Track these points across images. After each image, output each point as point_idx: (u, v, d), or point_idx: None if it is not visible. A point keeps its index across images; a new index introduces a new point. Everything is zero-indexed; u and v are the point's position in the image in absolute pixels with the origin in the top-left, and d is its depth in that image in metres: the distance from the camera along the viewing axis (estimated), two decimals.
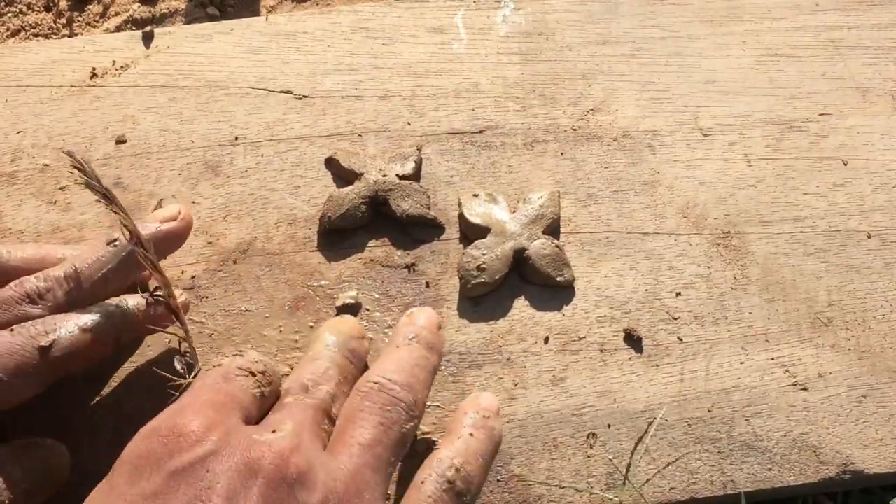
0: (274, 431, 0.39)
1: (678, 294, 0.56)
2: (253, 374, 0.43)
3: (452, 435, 0.45)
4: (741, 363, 0.54)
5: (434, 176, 0.60)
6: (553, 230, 0.58)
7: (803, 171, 0.61)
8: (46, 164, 0.60)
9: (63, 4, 0.76)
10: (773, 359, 0.54)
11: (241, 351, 0.45)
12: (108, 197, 0.47)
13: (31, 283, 0.47)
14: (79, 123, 0.62)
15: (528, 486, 0.50)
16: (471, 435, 0.44)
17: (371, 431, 0.41)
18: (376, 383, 0.43)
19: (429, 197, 0.58)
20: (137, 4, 0.76)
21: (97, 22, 0.76)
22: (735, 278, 0.57)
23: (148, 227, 0.51)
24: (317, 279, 0.56)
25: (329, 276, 0.56)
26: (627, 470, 0.51)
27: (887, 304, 0.56)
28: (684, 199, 0.60)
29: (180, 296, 0.51)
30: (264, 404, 0.43)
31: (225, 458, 0.37)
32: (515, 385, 0.53)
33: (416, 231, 0.58)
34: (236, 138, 0.61)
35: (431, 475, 0.41)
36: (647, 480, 0.50)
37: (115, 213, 0.47)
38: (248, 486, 0.36)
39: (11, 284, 0.47)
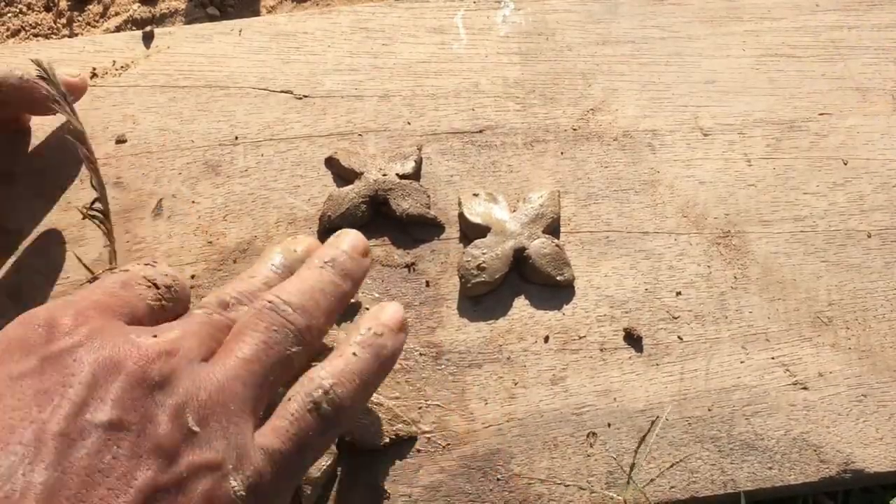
0: (155, 336, 0.39)
1: (678, 293, 0.56)
2: (157, 287, 0.42)
3: (336, 351, 0.43)
4: (741, 362, 0.54)
5: (434, 175, 0.60)
6: (553, 229, 0.58)
7: (803, 171, 0.61)
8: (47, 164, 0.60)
9: (63, 4, 0.76)
10: (773, 358, 0.54)
11: (155, 260, 0.44)
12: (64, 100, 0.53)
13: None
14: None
15: (529, 485, 0.50)
16: (354, 354, 0.42)
17: (252, 348, 0.40)
18: (270, 302, 0.42)
19: (429, 196, 0.58)
20: (137, 4, 0.76)
21: (97, 22, 0.76)
22: (735, 277, 0.57)
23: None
24: None
25: None
26: (631, 469, 0.51)
27: (887, 304, 0.56)
28: (684, 199, 0.60)
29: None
30: (162, 316, 0.43)
31: (93, 352, 0.37)
32: (515, 384, 0.53)
33: (416, 230, 0.58)
34: (236, 138, 0.61)
35: (299, 394, 0.40)
36: (652, 481, 0.50)
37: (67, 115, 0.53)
38: (109, 380, 0.36)
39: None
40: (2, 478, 0.32)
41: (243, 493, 0.37)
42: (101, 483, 0.34)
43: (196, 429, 0.37)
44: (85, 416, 0.35)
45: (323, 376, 0.41)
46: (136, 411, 0.36)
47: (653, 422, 0.52)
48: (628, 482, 0.50)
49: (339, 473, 0.50)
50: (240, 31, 0.66)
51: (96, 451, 0.34)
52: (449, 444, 0.51)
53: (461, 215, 0.58)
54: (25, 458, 0.33)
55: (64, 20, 0.76)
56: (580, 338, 0.55)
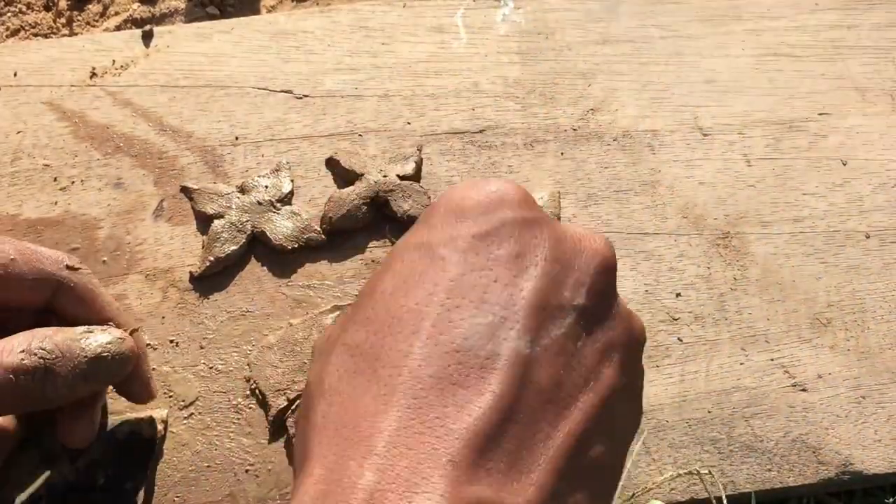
0: None
1: (678, 295, 0.56)
2: None
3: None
4: (741, 364, 0.54)
5: (434, 176, 0.60)
6: None
7: (803, 171, 0.61)
8: (47, 164, 0.60)
9: (63, 4, 0.76)
10: (772, 360, 0.55)
11: None
12: None
13: None
14: (79, 123, 0.62)
15: None
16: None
17: None
18: None
19: (429, 197, 0.58)
20: (137, 4, 0.76)
21: (97, 21, 0.76)
22: (735, 279, 0.57)
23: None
24: (318, 279, 0.56)
25: (331, 277, 0.56)
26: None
27: (886, 305, 0.57)
28: (684, 200, 0.60)
29: None
30: None
31: (557, 231, 0.35)
32: None
33: None
34: (237, 138, 0.61)
35: None
36: (648, 490, 0.51)
37: None
38: (588, 263, 0.34)
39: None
40: (481, 336, 0.31)
41: None
42: (575, 369, 0.32)
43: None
44: (563, 293, 0.33)
45: None
46: (605, 303, 0.34)
47: (638, 436, 0.52)
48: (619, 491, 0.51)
49: None
50: (239, 30, 0.66)
51: (571, 333, 0.32)
52: None
53: None
54: (505, 323, 0.31)
55: (63, 19, 0.75)
56: None
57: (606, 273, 0.34)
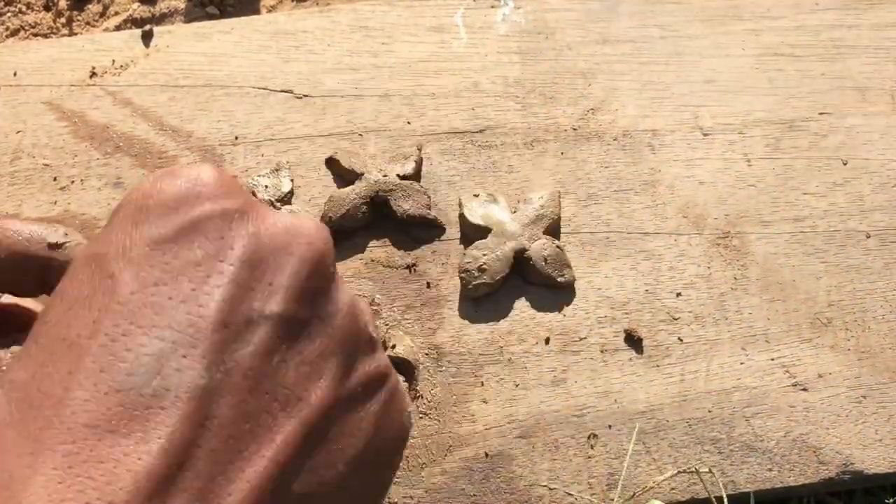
0: None
1: (678, 294, 0.56)
2: None
3: None
4: (741, 364, 0.54)
5: (434, 176, 0.60)
6: (553, 230, 0.58)
7: (803, 171, 0.61)
8: (47, 164, 0.60)
9: (62, 4, 0.76)
10: (773, 359, 0.54)
11: None
12: None
13: None
14: (79, 123, 0.62)
15: (530, 487, 0.50)
16: None
17: None
18: None
19: (429, 197, 0.58)
20: (137, 4, 0.76)
21: (97, 21, 0.76)
22: (735, 278, 0.57)
23: None
24: None
25: None
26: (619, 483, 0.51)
27: (887, 305, 0.57)
28: (684, 199, 0.60)
29: None
30: None
31: (252, 223, 0.29)
32: (517, 386, 0.53)
33: (416, 231, 0.58)
34: (236, 138, 0.61)
35: None
36: (648, 490, 0.51)
37: None
38: (279, 262, 0.29)
39: None
40: (148, 370, 0.25)
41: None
42: (269, 392, 0.27)
43: (374, 334, 0.31)
44: (253, 303, 0.27)
45: None
46: (311, 307, 0.29)
47: (633, 433, 0.52)
48: (618, 488, 0.50)
49: None
50: (239, 30, 0.66)
51: (264, 350, 0.27)
52: (450, 446, 0.51)
53: (462, 216, 0.58)
54: (178, 349, 0.26)
55: (63, 19, 0.75)
56: (581, 339, 0.55)
57: (311, 270, 0.29)
